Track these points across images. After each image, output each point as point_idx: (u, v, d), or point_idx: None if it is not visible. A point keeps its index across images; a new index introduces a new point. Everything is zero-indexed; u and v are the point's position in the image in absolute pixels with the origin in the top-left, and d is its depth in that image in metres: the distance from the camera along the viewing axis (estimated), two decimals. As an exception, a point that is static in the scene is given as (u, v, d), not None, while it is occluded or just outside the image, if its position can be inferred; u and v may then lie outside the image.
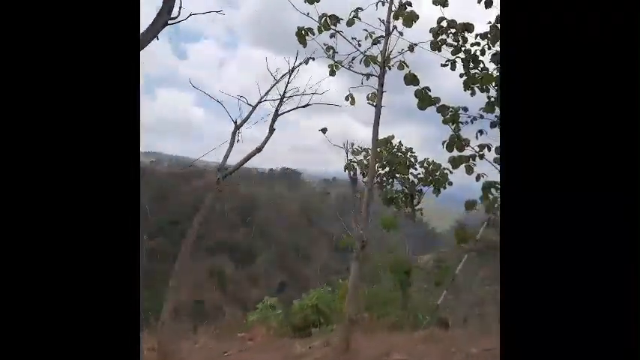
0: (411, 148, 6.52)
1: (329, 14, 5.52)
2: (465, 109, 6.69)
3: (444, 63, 6.53)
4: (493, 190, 6.73)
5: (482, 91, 6.45)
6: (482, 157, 6.23)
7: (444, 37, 6.22)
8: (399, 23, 5.51)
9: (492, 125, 6.46)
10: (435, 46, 6.36)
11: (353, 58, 5.03)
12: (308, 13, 5.44)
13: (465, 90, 6.44)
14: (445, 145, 6.04)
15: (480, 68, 6.26)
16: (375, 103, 4.87)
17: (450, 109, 6.62)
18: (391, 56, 5.08)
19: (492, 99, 6.09)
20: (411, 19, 4.78)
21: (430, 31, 5.94)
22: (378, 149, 6.22)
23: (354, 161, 5.28)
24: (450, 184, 6.68)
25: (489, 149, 6.12)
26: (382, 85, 4.95)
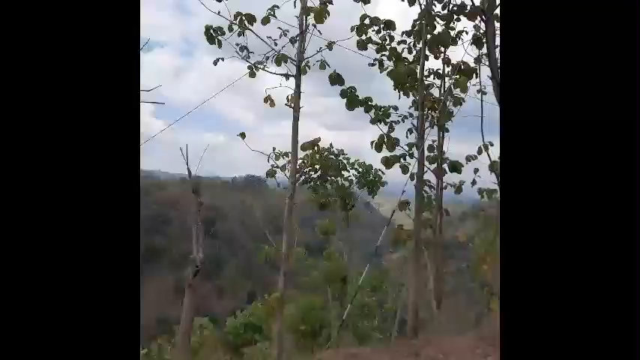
0: (342, 150, 6.40)
1: (244, 13, 5.23)
2: (396, 108, 6.64)
3: (371, 62, 6.46)
4: (427, 189, 6.76)
5: (411, 89, 6.30)
6: (412, 155, 6.20)
7: (369, 35, 6.14)
8: (319, 22, 5.28)
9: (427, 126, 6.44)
10: (362, 45, 6.26)
11: (267, 58, 4.78)
12: (219, 12, 5.13)
13: (394, 89, 6.36)
14: (374, 145, 5.94)
15: (405, 66, 6.20)
16: (292, 105, 4.64)
17: (382, 109, 6.56)
18: (321, 55, 4.89)
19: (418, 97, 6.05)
20: (321, 15, 4.60)
21: (351, 30, 5.80)
22: (308, 153, 6.03)
23: (277, 167, 5.05)
24: (384, 184, 6.59)
25: (418, 148, 6.08)
26: (299, 86, 4.73)
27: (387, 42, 6.40)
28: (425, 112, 5.51)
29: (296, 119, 4.66)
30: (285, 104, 4.66)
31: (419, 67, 5.74)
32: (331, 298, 6.49)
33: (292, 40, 4.99)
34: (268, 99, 4.99)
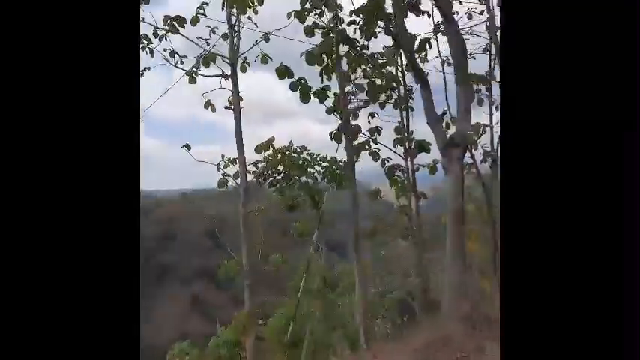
0: (304, 147, 6.14)
1: (173, 15, 4.98)
2: (355, 94, 6.39)
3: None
4: (400, 174, 6.54)
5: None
6: (375, 141, 5.96)
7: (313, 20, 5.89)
8: (254, 14, 5.03)
9: (382, 106, 6.21)
10: (309, 32, 6.01)
11: (198, 59, 4.53)
12: (143, 19, 4.86)
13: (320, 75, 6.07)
14: (333, 136, 5.69)
15: (358, 49, 5.94)
16: (232, 107, 4.39)
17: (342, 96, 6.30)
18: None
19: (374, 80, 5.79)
20: (244, 5, 4.34)
21: (294, 16, 5.54)
22: (267, 154, 5.78)
23: (229, 175, 4.80)
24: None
25: (380, 132, 5.85)
26: (237, 86, 4.48)
27: (336, 25, 6.14)
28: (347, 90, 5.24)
29: (237, 120, 4.41)
30: (225, 107, 4.41)
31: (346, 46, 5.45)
32: (311, 304, 6.28)
33: (225, 37, 4.73)
34: (209, 104, 4.75)
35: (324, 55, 5.11)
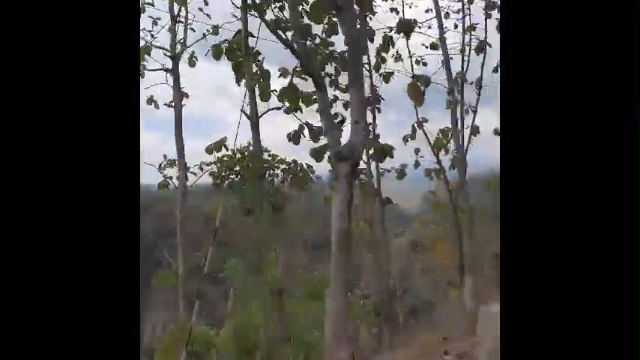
0: (265, 148, 5.87)
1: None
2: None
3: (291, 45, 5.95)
4: (365, 177, 6.32)
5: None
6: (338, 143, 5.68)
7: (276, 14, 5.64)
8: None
9: (345, 107, 5.97)
10: (273, 26, 5.77)
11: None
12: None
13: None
14: (291, 137, 5.45)
15: (318, 42, 5.68)
16: (172, 104, 4.14)
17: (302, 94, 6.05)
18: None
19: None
20: (182, -6, 4.09)
21: (253, 9, 5.29)
22: (219, 155, 5.53)
23: (170, 177, 4.55)
24: (319, 178, 6.16)
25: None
26: (178, 80, 4.23)
27: (297, 18, 5.89)
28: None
29: (178, 119, 4.16)
30: (165, 104, 4.16)
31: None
32: (269, 314, 6.02)
33: (170, 29, 4.47)
34: (152, 101, 4.49)
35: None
